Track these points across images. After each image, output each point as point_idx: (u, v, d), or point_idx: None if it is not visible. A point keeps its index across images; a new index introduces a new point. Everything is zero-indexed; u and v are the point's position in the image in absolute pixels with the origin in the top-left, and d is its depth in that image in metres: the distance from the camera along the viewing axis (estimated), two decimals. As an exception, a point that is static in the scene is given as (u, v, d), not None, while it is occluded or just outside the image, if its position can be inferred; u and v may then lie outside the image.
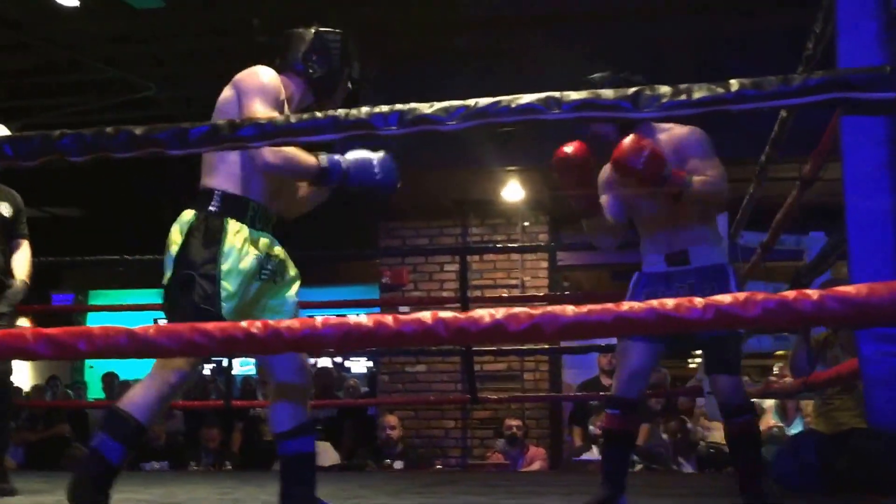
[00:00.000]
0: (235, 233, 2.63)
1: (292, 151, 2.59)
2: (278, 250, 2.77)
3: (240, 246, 2.63)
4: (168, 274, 2.64)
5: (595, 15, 6.44)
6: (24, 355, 1.53)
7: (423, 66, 6.81)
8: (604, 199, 3.20)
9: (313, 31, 2.91)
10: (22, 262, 4.38)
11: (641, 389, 3.13)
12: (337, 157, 2.66)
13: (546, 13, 6.45)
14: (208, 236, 2.61)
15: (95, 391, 10.88)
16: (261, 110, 2.59)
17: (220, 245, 2.60)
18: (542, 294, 7.66)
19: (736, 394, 2.99)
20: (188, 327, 1.58)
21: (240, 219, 2.65)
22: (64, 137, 1.53)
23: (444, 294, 7.88)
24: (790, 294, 1.23)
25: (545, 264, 8.09)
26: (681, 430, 6.50)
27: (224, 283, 2.58)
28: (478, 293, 7.56)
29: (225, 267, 2.59)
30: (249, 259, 2.65)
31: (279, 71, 2.82)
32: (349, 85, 2.93)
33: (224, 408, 6.45)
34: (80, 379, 11.44)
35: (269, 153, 2.55)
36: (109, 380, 9.18)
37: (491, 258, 8.03)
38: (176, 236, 2.64)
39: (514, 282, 8.05)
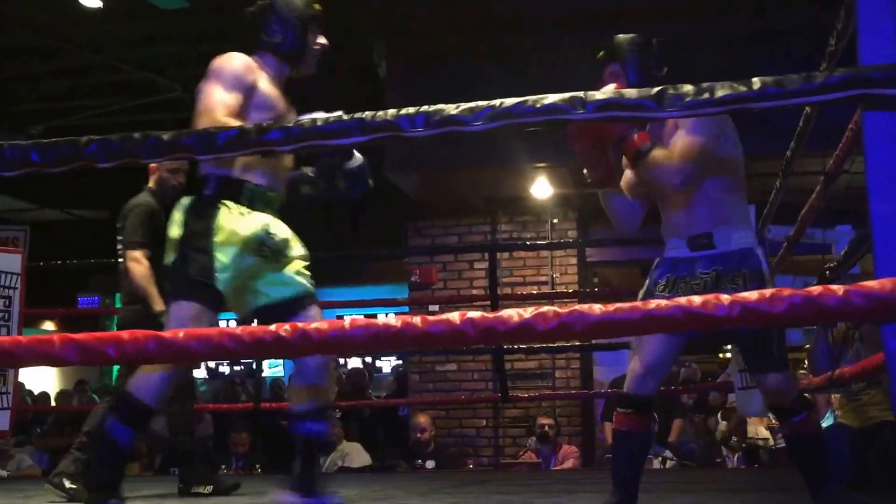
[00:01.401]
0: (230, 210, 2.75)
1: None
2: (280, 229, 2.84)
3: (234, 221, 2.74)
4: (169, 256, 2.77)
5: (621, 14, 6.42)
6: (52, 361, 1.55)
7: (452, 67, 6.82)
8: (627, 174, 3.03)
9: (268, 1, 2.97)
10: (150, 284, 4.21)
11: (656, 387, 2.85)
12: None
13: (573, 13, 6.44)
14: (204, 215, 2.74)
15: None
16: (215, 96, 2.76)
17: (214, 220, 2.72)
18: (571, 291, 7.64)
19: (787, 391, 2.75)
20: (217, 331, 1.59)
21: (235, 200, 2.77)
22: (91, 144, 1.54)
23: (474, 292, 7.88)
24: (816, 289, 1.22)
25: (574, 261, 8.07)
26: (735, 425, 6.45)
27: (217, 255, 2.69)
28: (507, 290, 7.55)
29: (217, 239, 2.71)
30: (244, 233, 2.74)
31: (252, 52, 2.92)
32: (318, 46, 3.01)
33: (253, 410, 6.47)
34: (109, 383, 11.52)
35: None
36: None
37: (520, 255, 8.03)
38: (176, 219, 2.79)
39: (543, 279, 8.04)
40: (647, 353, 2.78)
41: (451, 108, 1.59)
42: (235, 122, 2.64)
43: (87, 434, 4.09)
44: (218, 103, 2.73)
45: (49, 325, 11.26)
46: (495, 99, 1.60)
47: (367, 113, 1.62)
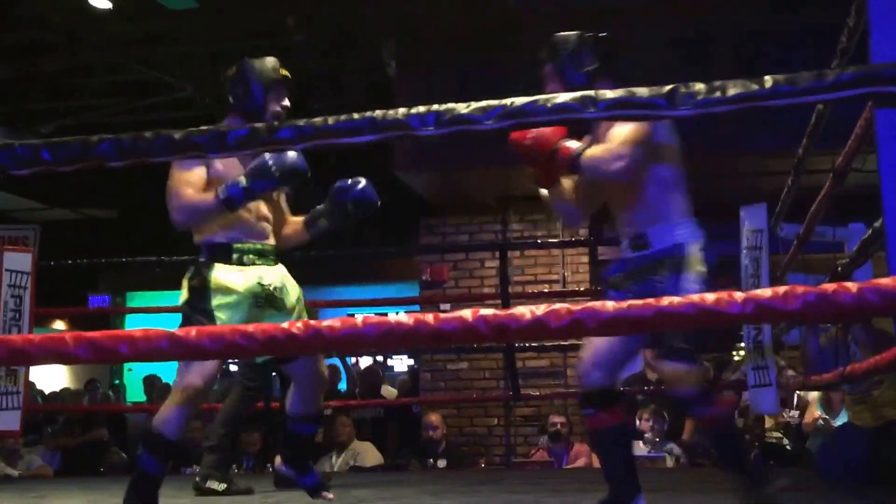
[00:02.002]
0: (223, 271, 3.09)
1: (189, 201, 3.03)
2: (273, 279, 3.17)
3: (228, 280, 3.07)
4: (180, 322, 3.07)
5: (633, 10, 6.41)
6: (65, 359, 1.55)
7: (461, 67, 6.83)
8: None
9: (237, 67, 3.23)
10: None
11: (605, 379, 2.83)
12: (236, 179, 3.03)
13: (584, 10, 6.43)
14: (200, 281, 3.07)
15: (134, 394, 10.95)
16: (180, 178, 3.05)
17: (210, 283, 3.06)
18: (583, 289, 7.63)
19: (685, 381, 2.74)
20: (229, 329, 1.59)
21: (226, 261, 3.11)
22: (102, 143, 1.54)
23: (485, 290, 7.88)
24: (830, 287, 1.22)
25: (586, 259, 8.06)
26: (752, 422, 6.41)
27: (218, 315, 3.02)
28: (519, 289, 7.55)
29: (215, 301, 3.04)
30: (239, 289, 3.08)
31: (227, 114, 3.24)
32: (279, 108, 3.20)
33: (264, 409, 6.48)
34: (120, 381, 11.53)
35: (174, 214, 3.05)
36: (151, 382, 9.23)
37: (531, 254, 8.03)
38: (182, 286, 3.12)
39: (555, 277, 8.03)
40: (591, 347, 2.86)
41: (462, 108, 1.59)
42: (200, 196, 3.03)
43: (221, 435, 4.53)
44: (182, 182, 3.03)
45: (59, 325, 11.30)
46: (504, 98, 1.60)
47: (377, 112, 1.61)
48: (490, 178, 7.45)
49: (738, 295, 1.29)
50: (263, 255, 3.19)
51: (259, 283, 3.12)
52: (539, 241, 7.86)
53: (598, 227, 8.16)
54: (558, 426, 6.71)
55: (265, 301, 3.12)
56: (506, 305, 5.67)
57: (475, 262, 8.10)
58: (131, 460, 6.92)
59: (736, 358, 10.84)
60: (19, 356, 1.56)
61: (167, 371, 9.32)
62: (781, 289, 1.23)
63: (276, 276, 3.19)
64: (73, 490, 4.75)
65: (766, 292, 1.26)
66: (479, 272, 8.13)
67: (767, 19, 6.39)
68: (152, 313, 8.31)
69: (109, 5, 6.42)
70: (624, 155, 2.74)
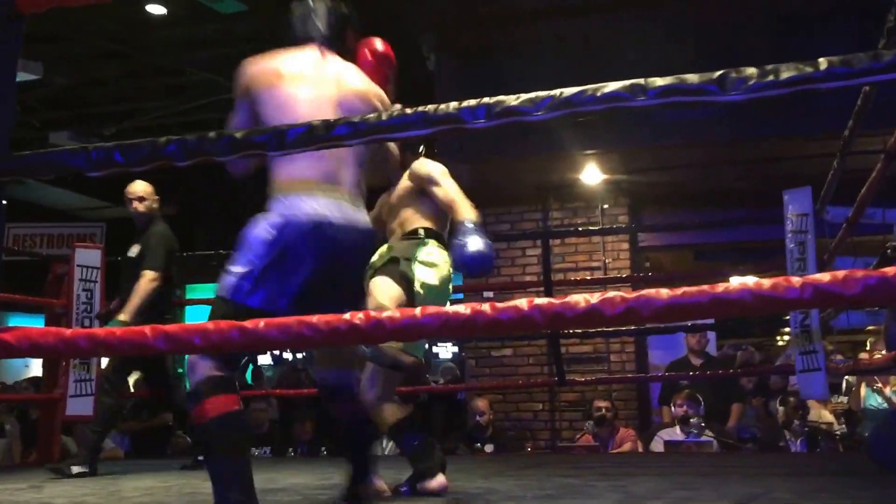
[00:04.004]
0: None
1: None
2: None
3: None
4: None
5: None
6: (144, 350, 1.62)
7: (501, 59, 6.84)
8: None
9: None
10: (133, 296, 4.99)
11: (333, 370, 2.75)
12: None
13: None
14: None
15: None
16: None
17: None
18: (624, 276, 7.64)
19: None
20: (295, 320, 1.64)
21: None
22: (170, 144, 1.60)
23: (527, 278, 7.91)
24: (890, 270, 1.23)
25: (626, 246, 8.07)
26: (792, 409, 6.40)
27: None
28: (560, 276, 7.57)
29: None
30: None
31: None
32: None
33: (317, 396, 6.59)
34: (183, 370, 11.75)
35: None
36: None
37: (572, 241, 8.04)
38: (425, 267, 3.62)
39: (596, 264, 8.04)
40: None
41: (512, 100, 1.59)
42: None
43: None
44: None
45: (123, 316, 11.51)
46: (542, 89, 1.62)
47: (429, 106, 1.63)
48: (529, 168, 7.47)
49: (796, 280, 1.31)
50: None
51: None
52: (580, 228, 7.88)
53: (637, 214, 8.18)
54: (603, 411, 6.73)
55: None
56: (548, 293, 5.70)
57: (517, 250, 8.13)
58: (195, 444, 7.14)
59: (780, 343, 10.81)
60: (104, 347, 1.62)
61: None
62: (840, 273, 1.25)
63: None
64: (143, 472, 4.94)
65: (824, 277, 1.27)
66: (520, 260, 8.16)
67: (804, 2, 6.33)
68: (209, 305, 8.43)
69: (164, 11, 6.57)
70: None
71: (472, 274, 3.29)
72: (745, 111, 5.86)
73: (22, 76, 7.43)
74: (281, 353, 10.95)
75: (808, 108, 5.96)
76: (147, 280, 4.98)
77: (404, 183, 3.82)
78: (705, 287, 1.42)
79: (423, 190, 3.72)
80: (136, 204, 5.21)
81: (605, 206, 8.12)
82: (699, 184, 7.77)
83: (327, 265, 2.51)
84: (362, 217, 2.63)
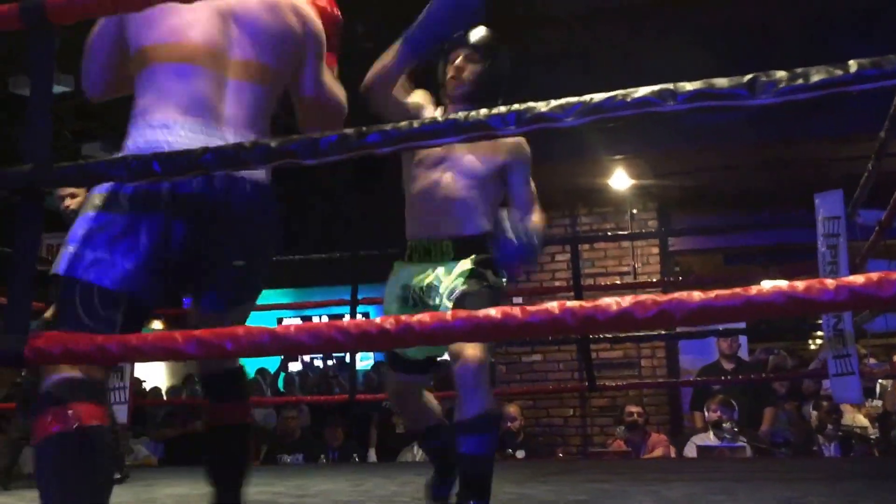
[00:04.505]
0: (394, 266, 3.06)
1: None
2: (422, 279, 2.91)
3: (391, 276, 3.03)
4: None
5: (697, 3, 6.37)
6: (175, 356, 1.64)
7: (518, 67, 6.84)
8: None
9: None
10: None
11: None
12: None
13: (631, 4, 6.40)
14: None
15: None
16: None
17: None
18: (654, 280, 7.61)
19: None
20: (326, 325, 1.66)
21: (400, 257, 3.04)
22: (206, 153, 1.62)
23: (557, 283, 7.91)
24: (927, 273, 1.22)
25: (656, 250, 8.05)
26: (825, 413, 6.35)
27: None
28: (590, 281, 7.56)
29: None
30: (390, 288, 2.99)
31: None
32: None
33: (348, 402, 6.62)
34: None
35: None
36: (262, 374, 9.51)
37: (601, 246, 8.03)
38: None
39: (625, 269, 8.03)
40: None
41: (542, 106, 1.59)
42: None
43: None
44: None
45: (157, 325, 11.65)
46: (570, 95, 1.61)
47: (459, 113, 1.64)
48: (557, 173, 7.46)
49: (830, 282, 1.31)
50: (430, 254, 2.98)
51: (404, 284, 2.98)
52: (609, 233, 7.86)
53: (666, 219, 8.16)
54: (634, 416, 6.72)
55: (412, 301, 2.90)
56: (578, 298, 5.68)
57: (546, 256, 8.12)
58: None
59: (812, 347, 10.72)
60: (135, 353, 1.65)
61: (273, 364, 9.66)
62: (875, 275, 1.24)
63: (432, 275, 2.92)
64: (178, 479, 4.98)
65: (858, 279, 1.27)
66: (549, 266, 8.16)
67: (833, 5, 6.29)
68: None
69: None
70: None
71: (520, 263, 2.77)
72: (774, 114, 5.83)
73: (56, 88, 7.53)
74: (312, 360, 11.01)
75: (838, 110, 5.92)
76: None
77: (488, 156, 3.01)
78: (738, 289, 1.42)
79: (503, 177, 3.06)
80: (68, 201, 4.98)
81: (634, 211, 8.11)
82: (728, 187, 7.74)
83: (189, 229, 1.93)
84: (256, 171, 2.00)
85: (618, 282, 7.67)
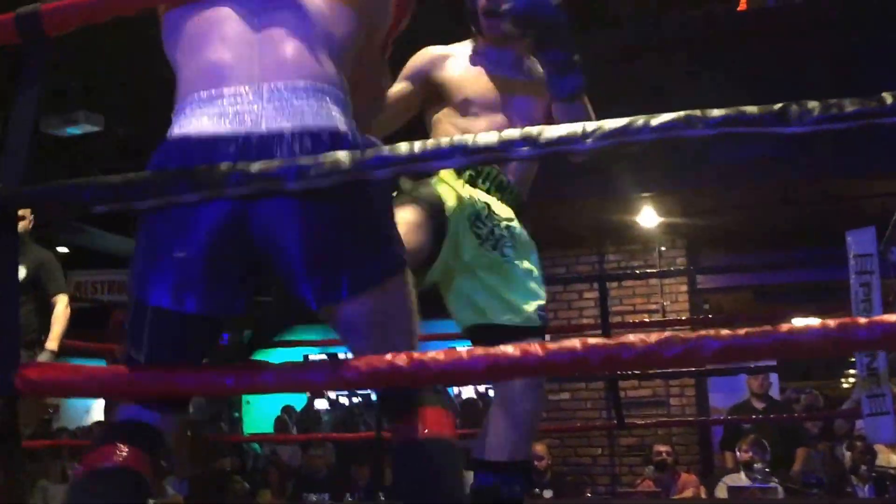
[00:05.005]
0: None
1: None
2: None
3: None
4: None
5: (721, 36, 6.35)
6: (173, 388, 1.60)
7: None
8: None
9: None
10: (55, 322, 4.81)
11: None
12: None
13: (671, 39, 6.39)
14: None
15: (251, 426, 11.23)
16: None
17: None
18: (684, 318, 7.52)
19: None
20: (332, 363, 1.62)
21: None
22: (233, 173, 1.56)
23: (584, 321, 7.82)
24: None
25: (685, 288, 7.96)
26: (859, 454, 6.22)
27: None
28: (618, 319, 7.47)
29: None
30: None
31: None
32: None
33: (375, 440, 6.55)
34: (238, 414, 11.85)
35: None
36: (288, 412, 9.49)
37: (629, 284, 7.95)
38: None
39: (654, 307, 7.94)
40: None
41: (558, 130, 1.51)
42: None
43: None
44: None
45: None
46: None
47: (467, 136, 1.54)
48: (584, 211, 7.42)
49: (863, 320, 1.25)
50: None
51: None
52: (637, 271, 7.78)
53: (695, 256, 8.07)
54: (663, 455, 6.60)
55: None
56: (606, 337, 5.61)
57: (573, 293, 8.06)
58: (252, 489, 7.14)
59: (845, 385, 10.55)
60: (129, 386, 1.61)
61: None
62: (908, 312, 1.19)
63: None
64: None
65: (892, 317, 1.22)
66: (577, 303, 8.09)
67: (857, 39, 6.22)
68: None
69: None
70: None
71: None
72: (804, 150, 5.76)
73: (85, 128, 7.60)
74: (337, 397, 10.97)
75: (870, 147, 5.84)
76: (65, 305, 4.87)
77: (543, 100, 2.61)
78: (767, 327, 1.36)
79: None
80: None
81: (663, 249, 8.04)
82: (758, 225, 7.66)
83: (231, 226, 1.56)
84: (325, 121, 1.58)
85: (647, 319, 7.58)
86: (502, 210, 2.49)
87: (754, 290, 8.93)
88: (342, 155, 1.48)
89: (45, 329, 4.78)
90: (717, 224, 7.65)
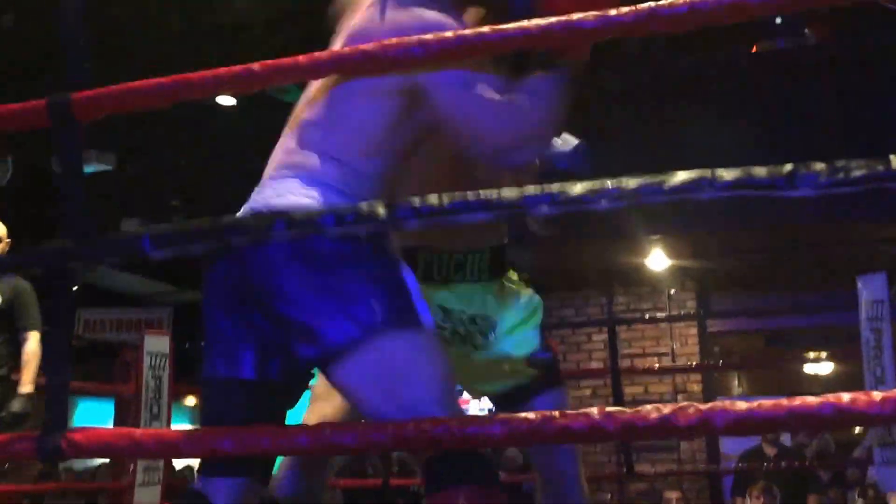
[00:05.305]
0: None
1: None
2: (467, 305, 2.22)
3: None
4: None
5: (732, 77, 6.38)
6: (211, 452, 1.62)
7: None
8: None
9: None
10: (27, 362, 4.43)
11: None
12: None
13: (684, 82, 6.42)
14: None
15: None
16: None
17: None
18: (693, 364, 7.52)
19: None
20: (360, 425, 1.63)
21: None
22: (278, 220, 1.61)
23: (593, 364, 7.83)
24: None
25: (695, 331, 7.96)
26: (871, 502, 6.18)
27: None
28: (627, 362, 7.47)
29: None
30: None
31: None
32: None
33: (382, 487, 6.52)
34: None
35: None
36: None
37: (639, 327, 7.96)
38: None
39: (663, 350, 7.93)
40: None
41: (577, 188, 1.53)
42: None
43: None
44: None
45: (191, 400, 11.66)
46: (602, 172, 1.57)
47: (491, 191, 1.57)
48: (593, 253, 7.44)
49: (876, 395, 1.27)
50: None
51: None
52: (647, 315, 7.79)
53: (705, 299, 8.08)
54: (674, 502, 6.57)
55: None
56: (616, 381, 5.61)
57: (582, 336, 8.07)
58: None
59: (857, 430, 10.49)
60: (170, 449, 1.63)
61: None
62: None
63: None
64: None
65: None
66: (586, 346, 8.09)
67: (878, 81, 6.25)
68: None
69: (234, 102, 6.80)
70: None
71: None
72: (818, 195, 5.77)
73: (97, 167, 7.68)
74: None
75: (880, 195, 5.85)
76: (37, 342, 4.42)
77: None
78: (783, 400, 1.38)
79: None
80: None
81: (672, 292, 8.04)
82: (768, 268, 7.67)
83: (234, 295, 1.71)
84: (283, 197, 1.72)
85: (656, 364, 7.58)
86: (463, 293, 2.21)
87: (765, 333, 8.92)
88: (379, 204, 1.53)
89: (17, 364, 4.44)
90: (727, 267, 7.66)
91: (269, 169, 1.87)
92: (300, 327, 1.64)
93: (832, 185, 1.41)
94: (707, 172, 1.54)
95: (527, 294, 2.35)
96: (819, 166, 1.43)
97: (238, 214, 1.78)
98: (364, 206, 1.57)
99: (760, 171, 1.49)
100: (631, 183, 1.54)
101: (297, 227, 1.60)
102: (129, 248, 1.70)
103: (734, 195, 1.59)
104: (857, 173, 1.40)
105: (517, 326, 2.28)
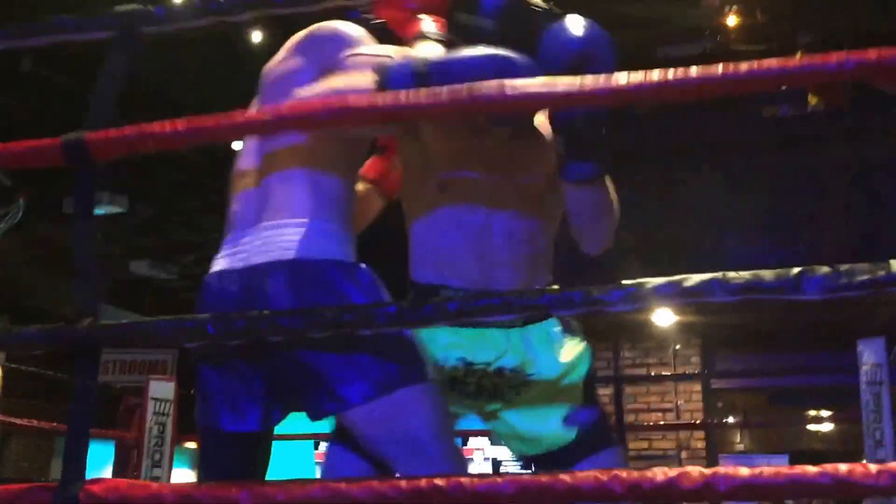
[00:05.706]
0: None
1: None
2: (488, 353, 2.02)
3: None
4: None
5: (740, 143, 6.49)
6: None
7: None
8: None
9: None
10: None
11: None
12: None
13: (689, 142, 6.53)
14: None
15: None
16: None
17: None
18: (697, 421, 7.58)
19: None
20: (378, 480, 1.71)
21: None
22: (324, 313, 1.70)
23: (598, 418, 7.86)
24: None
25: (699, 387, 8.01)
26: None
27: None
28: (632, 417, 7.52)
29: None
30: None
31: None
32: None
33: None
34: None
35: None
36: None
37: (644, 382, 8.01)
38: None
39: (668, 405, 7.98)
40: None
41: (594, 290, 1.59)
42: None
43: None
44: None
45: (192, 444, 11.57)
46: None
47: (513, 292, 1.61)
48: (599, 308, 7.49)
49: (873, 467, 1.34)
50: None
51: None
52: (652, 373, 7.87)
53: (709, 356, 8.14)
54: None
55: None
56: (621, 437, 5.67)
57: (588, 390, 8.10)
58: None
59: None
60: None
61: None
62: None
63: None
64: None
65: (900, 466, 1.30)
66: (592, 401, 8.12)
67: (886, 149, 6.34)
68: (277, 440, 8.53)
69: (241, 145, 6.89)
70: None
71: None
72: (818, 257, 5.85)
73: (111, 209, 7.76)
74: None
75: (885, 256, 5.91)
76: None
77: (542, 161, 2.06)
78: (783, 468, 1.46)
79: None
80: None
81: (678, 347, 8.11)
82: (773, 326, 7.72)
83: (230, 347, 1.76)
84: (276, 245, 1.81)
85: (661, 420, 7.63)
86: (483, 343, 1.99)
87: (768, 391, 8.97)
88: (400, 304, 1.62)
89: None
90: (732, 324, 7.72)
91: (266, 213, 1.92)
92: (324, 382, 1.73)
93: (837, 290, 1.49)
94: (719, 275, 1.60)
95: (572, 343, 2.15)
96: (824, 270, 1.51)
97: (259, 261, 1.82)
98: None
99: (768, 275, 1.56)
100: (649, 283, 1.60)
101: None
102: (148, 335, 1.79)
103: (743, 299, 1.65)
104: (860, 279, 1.48)
105: (551, 385, 2.05)
